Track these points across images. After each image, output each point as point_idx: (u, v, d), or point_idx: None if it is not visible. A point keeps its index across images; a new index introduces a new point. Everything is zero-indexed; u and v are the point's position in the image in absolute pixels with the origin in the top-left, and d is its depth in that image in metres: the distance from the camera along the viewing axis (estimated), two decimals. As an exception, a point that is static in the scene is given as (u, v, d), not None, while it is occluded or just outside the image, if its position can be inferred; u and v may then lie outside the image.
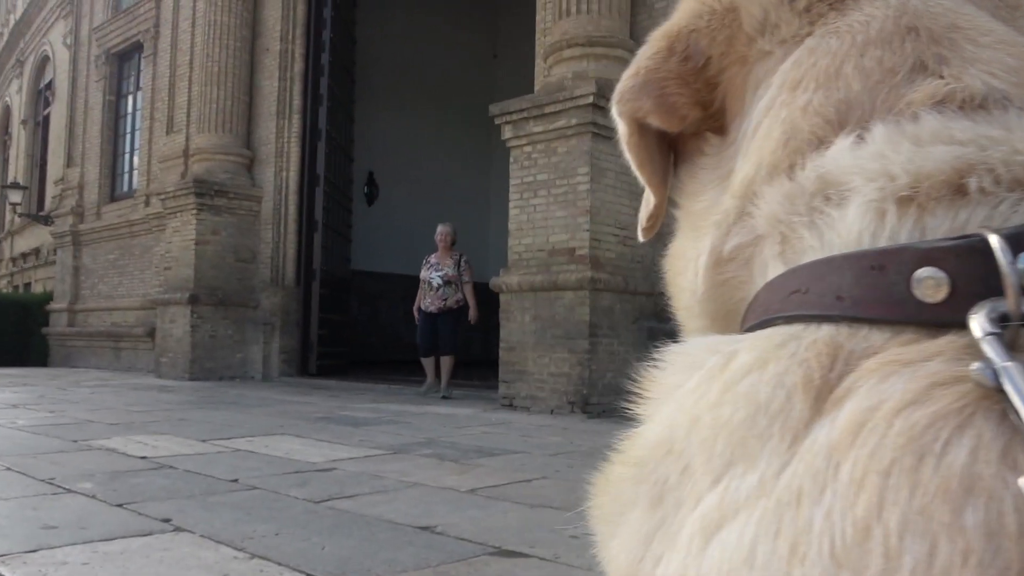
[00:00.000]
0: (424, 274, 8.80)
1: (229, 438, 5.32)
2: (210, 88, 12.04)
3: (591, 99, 6.83)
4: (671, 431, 0.41)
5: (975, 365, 0.33)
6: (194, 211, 11.48)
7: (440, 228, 8.89)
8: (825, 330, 0.39)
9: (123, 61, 15.76)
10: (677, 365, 0.45)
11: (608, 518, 0.46)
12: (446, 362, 8.84)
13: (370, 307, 15.20)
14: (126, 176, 15.46)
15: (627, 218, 7.28)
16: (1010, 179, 0.38)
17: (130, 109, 15.57)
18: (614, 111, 0.56)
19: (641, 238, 0.63)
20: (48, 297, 17.21)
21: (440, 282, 8.67)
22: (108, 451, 4.66)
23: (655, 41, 0.54)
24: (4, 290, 22.28)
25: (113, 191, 15.61)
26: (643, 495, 0.42)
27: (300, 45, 11.94)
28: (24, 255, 21.14)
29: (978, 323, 0.34)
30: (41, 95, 20.91)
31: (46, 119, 20.10)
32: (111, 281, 15.00)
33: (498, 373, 7.64)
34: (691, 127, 0.54)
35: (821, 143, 0.44)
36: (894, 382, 0.34)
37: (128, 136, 15.50)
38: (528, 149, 7.43)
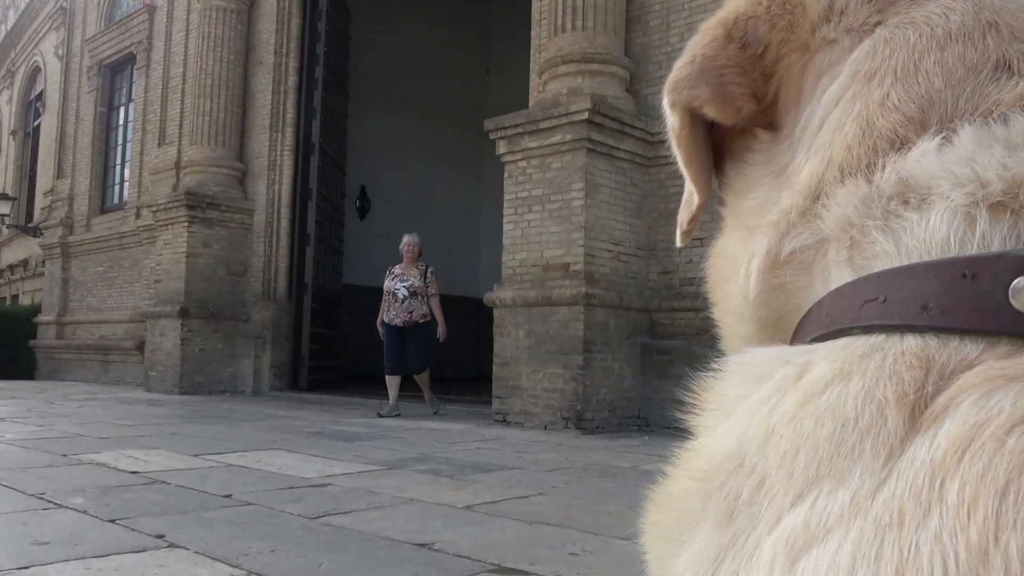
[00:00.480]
0: (388, 285, 8.33)
1: (221, 453, 5.27)
2: (203, 100, 12.02)
3: (586, 115, 6.85)
4: (741, 444, 0.39)
5: None
6: (185, 224, 11.42)
7: (406, 238, 8.43)
8: (911, 341, 0.36)
9: (115, 73, 15.73)
10: (740, 375, 0.43)
11: (670, 535, 0.43)
12: (423, 379, 8.45)
13: (362, 321, 15.09)
14: (117, 188, 15.40)
15: (621, 234, 7.29)
16: None
17: (122, 121, 15.52)
18: (666, 101, 0.53)
19: (680, 242, 0.60)
20: (36, 309, 17.07)
21: (406, 293, 8.19)
22: (99, 465, 4.60)
23: (709, 30, 0.52)
24: (-9, 302, 22.09)
25: (103, 203, 15.54)
26: (712, 511, 0.40)
27: (294, 58, 11.95)
28: (12, 267, 20.99)
29: None
30: (31, 106, 20.84)
31: (36, 130, 20.02)
32: (100, 294, 14.89)
33: (491, 388, 7.60)
34: (744, 120, 0.52)
35: (903, 143, 0.42)
36: (1001, 398, 0.32)
37: (119, 148, 15.45)
38: (523, 164, 7.44)
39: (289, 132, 11.84)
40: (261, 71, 12.11)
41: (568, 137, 7.02)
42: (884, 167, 0.41)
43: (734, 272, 0.51)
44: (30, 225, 19.13)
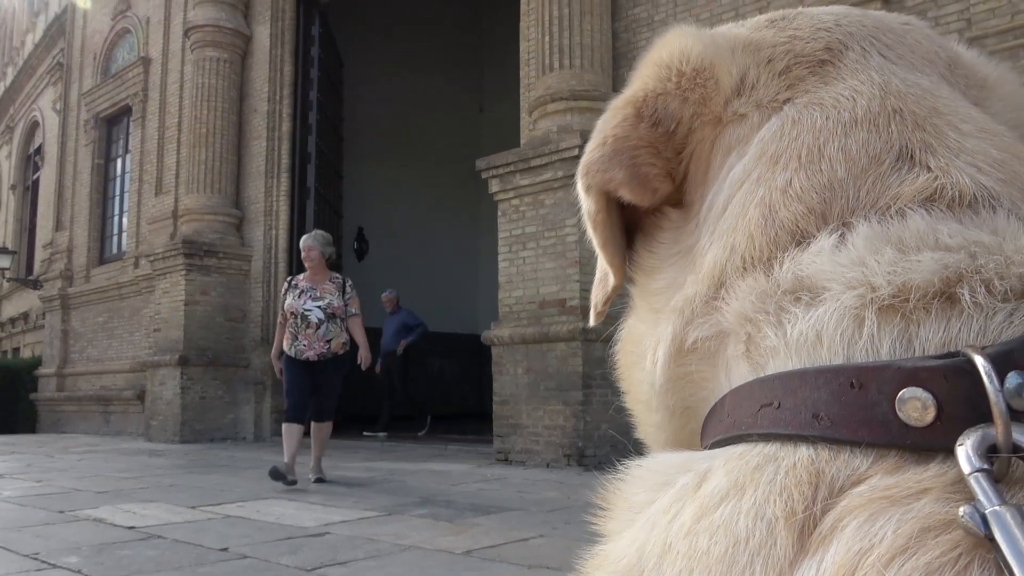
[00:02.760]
0: (293, 304, 6.25)
1: (219, 503, 5.22)
2: (199, 149, 12.13)
3: (576, 151, 6.90)
4: (641, 557, 0.39)
5: (963, 510, 0.31)
6: (183, 272, 11.45)
7: (305, 241, 6.42)
8: (804, 452, 0.36)
9: (112, 125, 15.88)
10: (645, 481, 0.43)
11: None
12: (320, 431, 6.35)
13: (362, 363, 15.10)
14: (115, 238, 15.46)
15: (616, 268, 7.30)
16: (1004, 289, 0.36)
17: (119, 172, 15.64)
18: (580, 185, 0.52)
19: (593, 322, 0.59)
20: (37, 362, 17.04)
21: (321, 316, 6.20)
22: (95, 521, 4.56)
23: (619, 109, 0.51)
24: (-8, 356, 22.08)
25: (102, 254, 15.60)
26: None
27: (287, 105, 12.07)
28: (12, 320, 21.01)
29: (966, 456, 0.32)
30: (30, 160, 21.02)
31: (35, 184, 20.17)
32: (100, 344, 14.88)
33: (492, 427, 7.56)
34: (659, 201, 0.50)
35: (803, 237, 0.41)
36: (883, 524, 0.32)
37: (117, 199, 15.54)
38: (516, 202, 7.48)
39: (284, 178, 11.92)
40: (255, 118, 12.23)
41: (560, 174, 7.07)
42: (783, 263, 0.41)
43: (641, 358, 0.50)
44: (30, 278, 19.19)
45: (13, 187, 21.82)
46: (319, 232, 6.62)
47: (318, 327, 6.19)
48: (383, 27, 15.30)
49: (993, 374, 0.33)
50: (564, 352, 6.95)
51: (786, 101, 0.46)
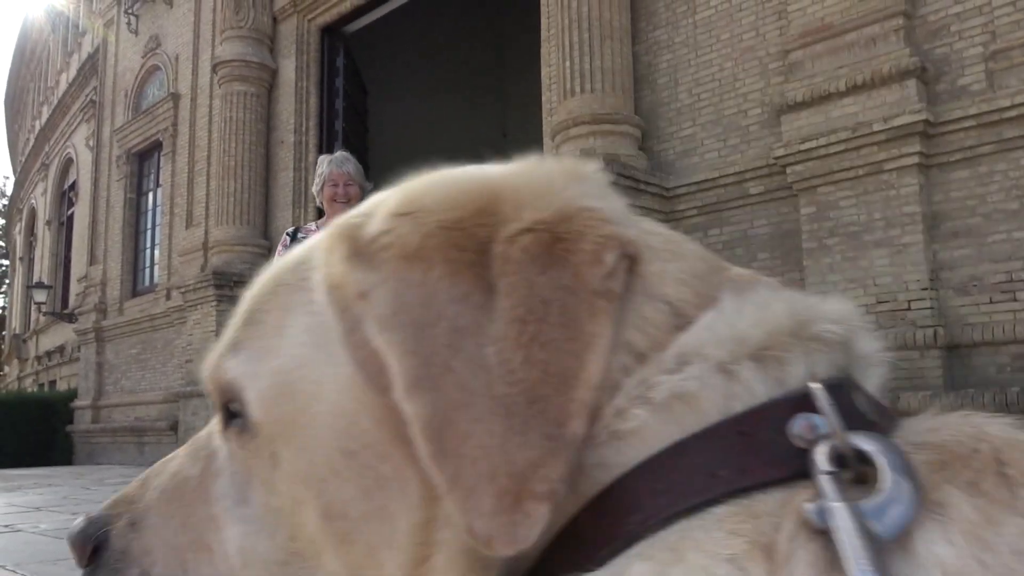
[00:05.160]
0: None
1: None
2: (227, 182, 12.33)
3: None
4: None
5: (808, 506, 0.35)
6: (214, 303, 11.60)
7: (336, 168, 4.19)
8: (721, 511, 0.37)
9: (143, 160, 16.21)
10: None
11: None
12: None
13: (391, 389, 15.10)
14: (147, 271, 15.72)
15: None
16: (840, 330, 0.42)
17: (150, 205, 15.94)
18: None
19: None
20: (72, 394, 17.30)
21: None
22: (129, 554, 4.59)
23: None
24: (30, 388, 22.47)
25: (135, 286, 15.85)
26: None
27: (313, 136, 12.24)
28: (49, 353, 21.38)
29: (818, 463, 0.36)
30: (65, 196, 21.50)
31: (70, 219, 20.61)
32: (134, 376, 15.09)
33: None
34: None
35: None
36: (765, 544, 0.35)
37: (148, 232, 15.82)
38: (540, 226, 7.49)
39: (312, 207, 12.05)
40: (282, 150, 12.41)
41: (583, 197, 7.07)
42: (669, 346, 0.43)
43: None
44: (65, 312, 19.54)
45: (49, 223, 22.31)
46: (350, 156, 4.40)
47: None
48: (406, 56, 15.49)
49: (827, 395, 0.38)
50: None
51: None
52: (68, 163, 20.89)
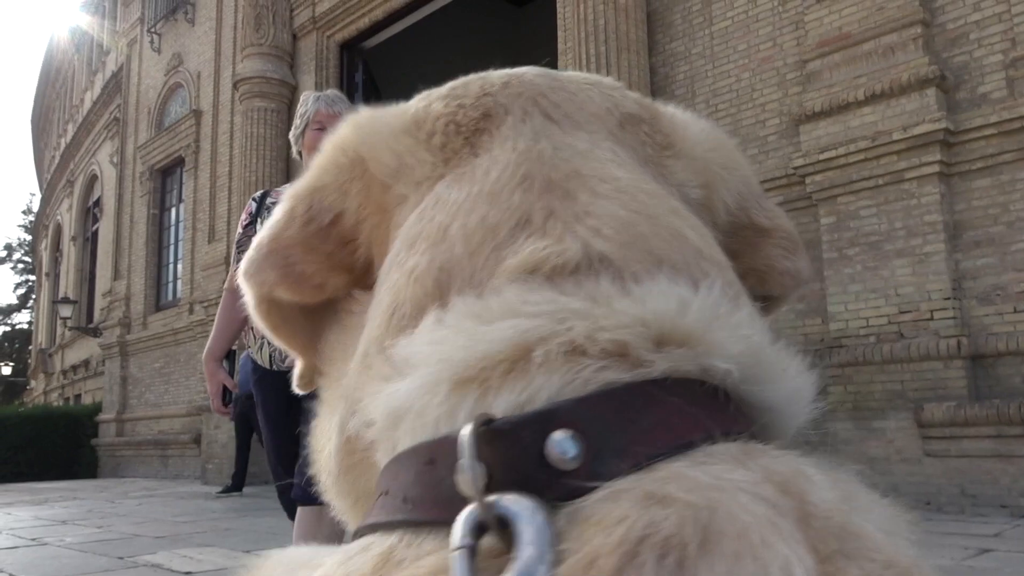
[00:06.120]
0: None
1: (274, 547, 5.26)
2: (248, 197, 12.43)
3: (618, 186, 6.92)
4: None
5: None
6: (236, 317, 11.68)
7: (324, 107, 3.09)
8: (389, 541, 0.34)
9: (166, 176, 16.42)
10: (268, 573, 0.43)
11: None
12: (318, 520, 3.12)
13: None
14: (170, 286, 15.89)
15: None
16: (585, 351, 0.34)
17: (173, 221, 16.13)
18: (241, 283, 0.51)
19: (297, 390, 0.57)
20: (97, 408, 17.49)
21: None
22: (153, 567, 4.64)
23: (284, 202, 0.50)
24: (56, 402, 22.74)
25: (158, 301, 16.02)
26: None
27: (333, 151, 12.33)
28: (74, 367, 21.64)
29: (457, 532, 0.30)
30: (90, 212, 21.79)
31: (94, 235, 20.88)
32: (157, 389, 15.23)
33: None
34: (340, 292, 0.49)
35: (416, 319, 0.39)
36: None
37: (172, 247, 16.01)
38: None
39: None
40: (302, 165, 12.51)
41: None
42: (395, 346, 0.39)
43: (323, 448, 0.49)
44: (90, 326, 19.78)
45: (74, 238, 22.62)
46: (344, 97, 3.26)
47: None
48: (424, 71, 15.59)
49: (473, 446, 0.32)
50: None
51: (440, 177, 0.45)
52: (93, 180, 21.20)
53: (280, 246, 0.48)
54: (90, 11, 22.29)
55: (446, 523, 0.32)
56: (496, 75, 0.52)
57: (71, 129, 23.72)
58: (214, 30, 14.68)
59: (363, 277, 0.48)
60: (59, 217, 25.22)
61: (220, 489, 10.18)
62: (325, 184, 0.48)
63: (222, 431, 11.63)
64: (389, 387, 0.37)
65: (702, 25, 7.70)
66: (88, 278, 21.65)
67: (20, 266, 45.98)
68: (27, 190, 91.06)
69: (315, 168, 0.50)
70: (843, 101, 6.39)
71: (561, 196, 0.41)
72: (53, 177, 25.77)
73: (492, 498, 0.31)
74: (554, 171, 0.42)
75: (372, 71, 12.97)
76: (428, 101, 0.50)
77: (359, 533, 0.38)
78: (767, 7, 7.24)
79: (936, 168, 5.87)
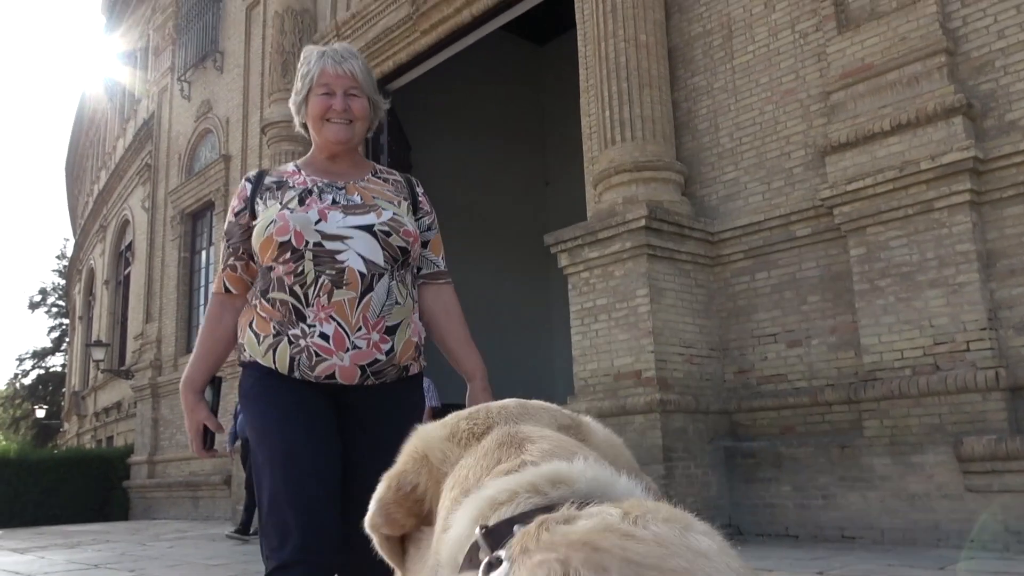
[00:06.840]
0: (283, 218, 2.14)
1: (304, 592, 5.23)
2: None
3: (643, 222, 6.90)
4: None
5: None
6: (265, 357, 11.76)
7: (333, 67, 2.31)
8: None
9: (196, 219, 16.69)
10: None
11: None
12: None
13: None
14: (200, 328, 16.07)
15: (691, 336, 7.20)
16: (548, 492, 0.62)
17: (203, 264, 16.36)
18: (367, 526, 0.82)
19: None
20: (129, 450, 17.63)
21: (376, 256, 2.16)
22: (185, 614, 4.62)
23: (388, 479, 0.81)
24: (88, 444, 22.95)
25: (189, 343, 16.19)
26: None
27: (360, 191, 12.46)
28: (107, 409, 21.86)
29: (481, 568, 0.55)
30: (122, 256, 22.17)
31: (127, 278, 21.21)
32: (188, 431, 15.32)
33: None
34: (411, 528, 0.80)
35: (454, 513, 0.68)
36: None
37: (202, 289, 16.22)
38: (585, 275, 7.49)
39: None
40: (329, 206, 12.65)
41: (628, 245, 7.07)
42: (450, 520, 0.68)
43: None
44: (122, 368, 20.01)
45: (107, 282, 22.99)
46: (355, 51, 2.48)
47: (365, 286, 2.12)
48: (447, 109, 15.79)
49: (481, 538, 0.59)
50: (642, 425, 6.83)
51: (461, 457, 0.77)
52: (125, 224, 21.59)
53: (385, 503, 0.80)
54: (123, 61, 22.90)
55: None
56: (496, 405, 0.84)
57: (104, 176, 24.25)
58: (242, 76, 15.00)
59: (426, 518, 0.79)
60: (92, 261, 25.68)
61: (232, 530, 10.11)
62: (407, 469, 0.80)
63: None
64: (445, 536, 0.67)
65: (723, 60, 7.73)
66: (120, 321, 21.96)
67: (54, 310, 46.76)
68: (61, 235, 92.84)
69: (402, 458, 0.82)
70: (869, 131, 6.36)
71: (527, 441, 0.73)
72: (86, 222, 26.30)
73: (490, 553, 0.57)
74: (524, 435, 0.75)
75: (397, 112, 13.15)
76: (457, 420, 0.82)
77: None
78: (788, 40, 7.26)
79: (967, 197, 5.80)
